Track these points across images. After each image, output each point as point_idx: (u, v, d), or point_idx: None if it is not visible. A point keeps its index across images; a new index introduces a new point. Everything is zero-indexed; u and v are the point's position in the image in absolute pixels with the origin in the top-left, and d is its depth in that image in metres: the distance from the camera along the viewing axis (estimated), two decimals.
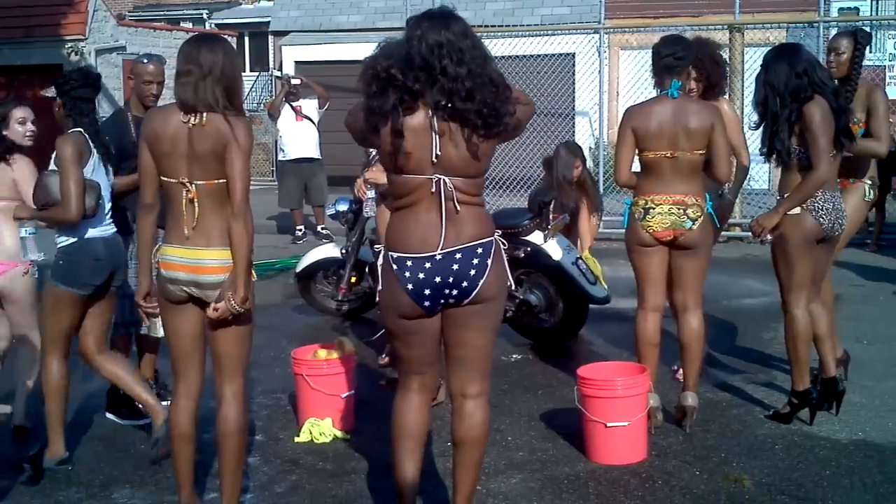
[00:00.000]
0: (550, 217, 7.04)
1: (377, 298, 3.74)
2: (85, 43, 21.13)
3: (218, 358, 3.95)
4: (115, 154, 5.24)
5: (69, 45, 21.08)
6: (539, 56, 14.03)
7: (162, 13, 29.32)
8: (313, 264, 7.85)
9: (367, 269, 7.53)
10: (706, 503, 4.33)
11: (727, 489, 4.45)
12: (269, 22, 21.66)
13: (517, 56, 14.00)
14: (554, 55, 13.96)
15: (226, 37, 18.62)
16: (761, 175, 12.55)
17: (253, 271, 3.91)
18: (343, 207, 7.46)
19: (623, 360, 5.64)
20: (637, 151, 5.09)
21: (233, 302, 3.75)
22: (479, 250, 3.52)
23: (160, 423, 4.69)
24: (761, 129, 5.12)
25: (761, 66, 5.09)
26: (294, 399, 5.52)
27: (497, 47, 13.95)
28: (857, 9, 22.02)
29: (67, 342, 4.84)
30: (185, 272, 3.79)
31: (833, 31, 13.13)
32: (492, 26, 16.14)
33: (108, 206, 4.86)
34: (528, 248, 6.85)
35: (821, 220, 5.00)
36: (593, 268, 6.96)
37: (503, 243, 3.64)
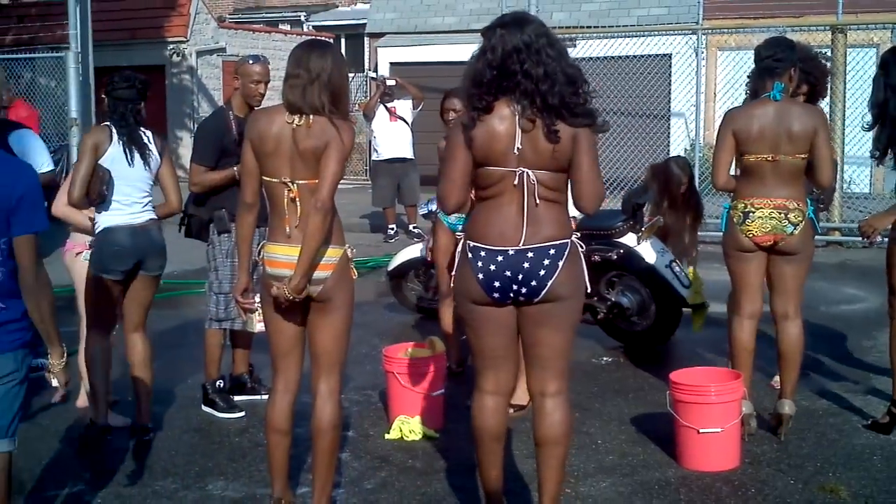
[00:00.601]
0: (645, 219, 6.98)
1: (451, 284, 3.84)
2: (186, 44, 21.66)
3: (316, 355, 4.01)
4: (216, 152, 5.41)
5: (171, 46, 21.64)
6: (635, 57, 13.90)
7: (261, 16, 29.84)
8: (404, 263, 7.91)
9: None
10: None
11: (822, 499, 4.36)
12: (365, 24, 21.89)
13: (613, 57, 13.89)
14: (650, 56, 13.82)
15: (327, 39, 18.85)
16: (862, 179, 12.26)
17: (353, 269, 3.97)
18: (435, 207, 7.50)
19: (716, 366, 5.56)
20: (737, 155, 5.00)
21: (286, 289, 3.83)
22: (552, 251, 3.60)
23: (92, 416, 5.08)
24: (873, 131, 4.99)
25: (879, 66, 4.96)
26: (384, 396, 5.57)
27: (593, 48, 13.88)
28: None
29: (105, 321, 5.14)
30: (289, 269, 3.85)
31: None
32: (587, 27, 16.05)
33: (138, 195, 5.07)
34: (622, 251, 6.80)
35: None
36: (694, 281, 6.86)
37: (581, 246, 3.70)
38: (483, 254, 3.63)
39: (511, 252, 3.59)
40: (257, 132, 3.92)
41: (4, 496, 3.42)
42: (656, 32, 14.29)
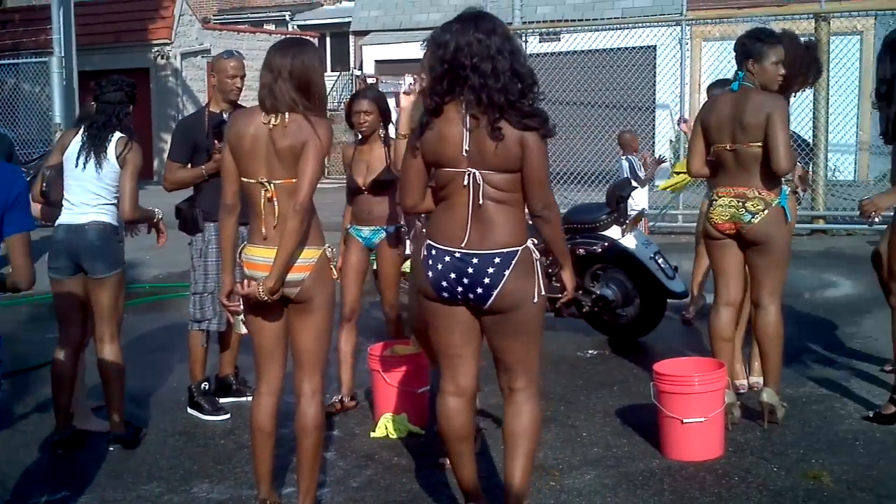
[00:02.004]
0: (629, 211, 7.00)
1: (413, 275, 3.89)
2: (171, 47, 21.65)
3: (298, 355, 4.02)
4: (190, 149, 5.42)
5: (156, 49, 21.62)
6: (620, 49, 13.92)
7: (245, 16, 29.82)
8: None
9: None
10: (784, 500, 4.26)
11: (805, 486, 4.37)
12: (349, 22, 21.90)
13: (598, 50, 13.92)
14: (635, 48, 13.83)
15: (309, 38, 18.88)
16: (847, 166, 12.30)
17: (333, 269, 3.98)
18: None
19: (700, 356, 5.58)
20: (706, 144, 5.09)
21: (261, 289, 3.83)
22: (497, 260, 3.56)
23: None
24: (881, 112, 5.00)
25: (884, 44, 4.96)
26: (370, 395, 5.58)
27: (577, 41, 13.90)
28: None
29: (69, 333, 5.13)
30: (267, 271, 3.84)
31: None
32: (572, 20, 16.07)
33: (87, 196, 5.06)
34: (606, 243, 6.82)
35: None
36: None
37: (535, 253, 3.64)
38: (434, 252, 3.65)
39: (457, 254, 3.59)
40: (235, 132, 3.93)
41: None
42: (640, 24, 14.31)
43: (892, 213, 5.15)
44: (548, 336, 7.15)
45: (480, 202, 3.55)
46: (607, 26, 14.41)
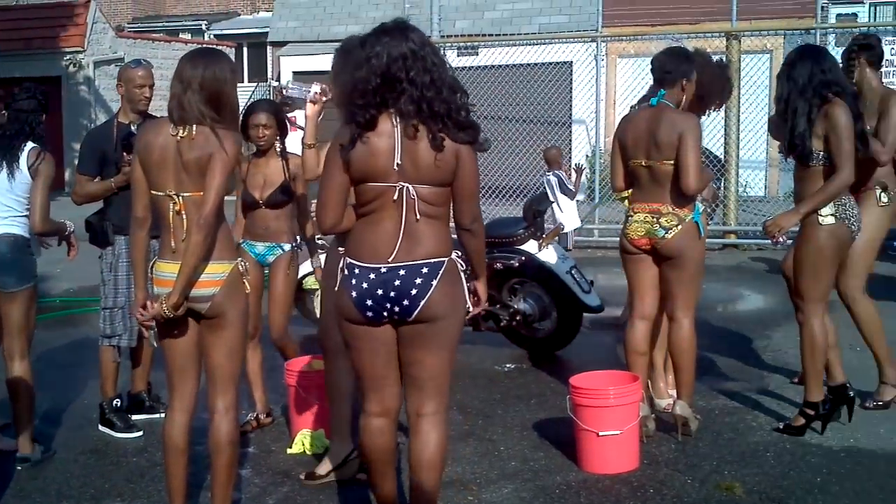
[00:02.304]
0: (545, 226, 7.06)
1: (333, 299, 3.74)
2: (84, 55, 21.22)
3: (211, 371, 3.96)
4: (99, 162, 5.31)
5: (68, 56, 21.17)
6: (537, 65, 14.07)
7: (161, 25, 29.41)
8: (307, 275, 7.84)
9: None
10: None
11: (718, 497, 4.45)
12: (267, 32, 21.73)
13: (515, 65, 14.05)
14: (552, 63, 14.00)
15: (223, 48, 18.65)
16: (757, 182, 12.59)
17: (246, 283, 3.93)
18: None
19: (616, 369, 5.64)
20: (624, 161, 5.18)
21: (164, 305, 3.77)
22: (425, 270, 3.50)
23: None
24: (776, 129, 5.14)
25: (784, 63, 5.09)
26: (287, 411, 5.52)
27: (495, 56, 14.01)
28: (854, 15, 22.10)
29: (6, 340, 5.03)
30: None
31: (831, 38, 13.22)
32: (489, 35, 16.19)
33: None
34: (523, 257, 6.86)
35: (853, 227, 5.01)
36: None
37: (461, 264, 3.61)
38: (357, 271, 3.55)
39: (383, 270, 3.50)
40: (143, 144, 3.88)
41: None
42: (557, 40, 14.49)
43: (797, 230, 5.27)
44: (466, 350, 7.20)
45: (418, 217, 3.48)
46: (524, 41, 14.54)
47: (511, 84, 14.35)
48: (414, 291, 3.49)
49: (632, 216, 5.11)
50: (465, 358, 6.99)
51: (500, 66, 14.38)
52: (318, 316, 7.83)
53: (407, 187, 3.48)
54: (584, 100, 14.13)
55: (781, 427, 5.24)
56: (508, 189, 13.29)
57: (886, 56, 12.94)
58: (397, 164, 3.46)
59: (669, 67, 5.11)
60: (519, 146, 13.95)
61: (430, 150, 3.45)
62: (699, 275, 5.19)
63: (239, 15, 29.56)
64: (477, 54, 15.25)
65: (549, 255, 6.89)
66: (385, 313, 3.55)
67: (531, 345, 7.06)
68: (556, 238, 7.28)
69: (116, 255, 5.36)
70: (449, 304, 3.56)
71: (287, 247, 5.44)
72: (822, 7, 14.28)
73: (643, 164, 5.05)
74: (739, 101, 11.89)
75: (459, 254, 3.64)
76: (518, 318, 6.91)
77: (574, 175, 10.77)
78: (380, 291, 3.51)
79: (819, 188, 4.92)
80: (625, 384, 4.93)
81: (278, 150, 5.43)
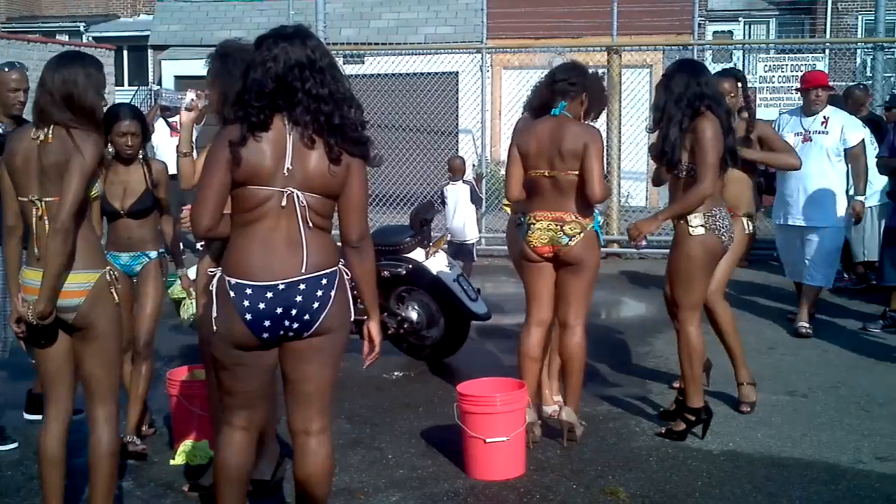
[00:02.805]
0: (432, 234, 7.07)
1: (213, 325, 3.43)
2: None
3: (87, 381, 3.85)
4: None
5: None
6: (423, 74, 14.12)
7: (37, 26, 28.50)
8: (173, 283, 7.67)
9: None
10: None
11: (603, 502, 4.51)
12: (148, 36, 21.30)
13: (402, 74, 14.07)
14: (438, 73, 14.07)
15: (102, 51, 18.18)
16: (638, 193, 12.87)
17: (114, 292, 3.81)
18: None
19: (503, 376, 5.67)
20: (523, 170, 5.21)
21: (30, 313, 3.67)
22: (324, 281, 3.37)
23: None
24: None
25: (664, 75, 5.23)
26: (169, 421, 5.39)
27: (381, 65, 14.01)
28: (730, 32, 22.85)
29: None
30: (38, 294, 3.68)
31: (707, 54, 13.64)
32: (376, 44, 16.20)
33: None
34: (410, 265, 6.86)
35: (723, 237, 5.16)
36: None
37: (346, 273, 3.49)
38: (249, 291, 3.32)
39: (281, 286, 3.31)
40: (9, 150, 3.80)
41: None
42: (442, 51, 14.58)
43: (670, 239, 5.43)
44: (353, 358, 7.10)
45: (310, 225, 3.35)
46: (410, 51, 14.59)
47: (398, 93, 14.38)
48: (316, 305, 3.36)
49: (533, 224, 5.14)
50: (353, 366, 6.87)
51: (387, 74, 14.39)
52: (189, 325, 7.72)
53: (297, 193, 3.33)
54: (470, 110, 14.24)
55: (663, 432, 5.36)
56: (395, 197, 13.30)
57: (760, 73, 13.45)
58: (287, 168, 3.32)
59: (574, 80, 5.21)
60: (406, 155, 13.98)
61: (325, 160, 3.34)
62: (594, 283, 5.28)
63: (119, 17, 28.87)
64: (363, 63, 15.25)
65: (435, 264, 6.91)
66: (282, 332, 3.38)
67: (419, 352, 7.06)
68: (447, 247, 7.29)
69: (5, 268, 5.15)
70: (343, 314, 3.47)
71: (154, 254, 5.23)
72: (700, 24, 14.67)
73: (546, 174, 5.10)
74: (620, 114, 12.14)
75: (343, 263, 3.55)
76: (406, 325, 6.91)
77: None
78: (279, 310, 3.32)
79: (680, 197, 5.11)
80: (511, 391, 4.97)
81: (140, 156, 5.20)
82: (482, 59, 12.99)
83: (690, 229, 5.11)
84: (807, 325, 7.69)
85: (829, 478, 4.78)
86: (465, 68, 14.44)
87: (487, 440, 4.74)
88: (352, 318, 3.53)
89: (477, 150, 14.30)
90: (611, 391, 6.22)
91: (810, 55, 13.21)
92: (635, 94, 13.16)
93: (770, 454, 5.10)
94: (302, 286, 3.33)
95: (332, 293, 3.38)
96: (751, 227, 6.05)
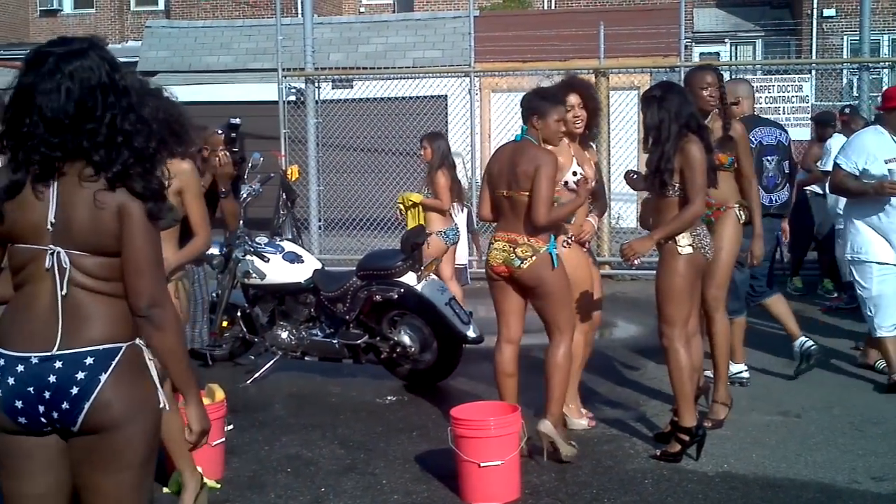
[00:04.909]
0: (424, 258, 7.08)
1: None
2: None
3: None
4: None
5: None
6: (412, 98, 14.14)
7: (24, 52, 28.52)
8: None
9: (238, 314, 7.41)
10: None
11: None
12: (136, 62, 21.28)
13: (391, 98, 14.09)
14: (427, 97, 14.09)
15: None
16: (629, 214, 12.87)
17: None
18: (214, 250, 7.31)
19: (496, 400, 5.66)
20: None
21: None
22: (90, 360, 2.65)
23: None
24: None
25: (653, 96, 5.25)
26: (162, 449, 5.34)
27: (370, 90, 14.03)
28: (717, 54, 22.98)
29: None
30: None
31: None
32: (364, 68, 16.23)
33: None
34: (402, 290, 6.85)
35: (707, 255, 5.28)
36: None
37: (145, 351, 2.75)
38: (2, 362, 2.68)
39: (34, 360, 2.65)
40: None
41: None
42: (431, 74, 14.62)
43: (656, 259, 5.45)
44: (346, 382, 7.13)
45: (64, 291, 2.67)
46: (399, 75, 14.63)
47: (387, 117, 14.39)
48: (75, 390, 2.64)
49: (492, 244, 5.32)
50: (346, 391, 6.93)
51: (376, 99, 14.41)
52: (191, 349, 7.68)
53: (59, 252, 2.68)
54: (459, 133, 14.26)
55: (658, 454, 5.35)
56: (385, 221, 13.29)
57: (746, 94, 13.51)
58: (51, 222, 2.67)
59: (524, 105, 5.38)
60: (396, 179, 13.98)
61: (92, 208, 2.67)
62: (565, 300, 5.31)
63: (107, 43, 28.91)
64: (352, 87, 15.26)
65: (427, 288, 6.90)
66: (44, 419, 2.66)
67: (412, 377, 7.04)
68: (443, 271, 7.30)
69: None
70: (129, 404, 2.68)
71: None
72: (686, 46, 14.73)
73: (504, 193, 5.27)
74: (609, 136, 12.18)
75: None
76: (398, 349, 6.90)
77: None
78: (31, 389, 2.64)
79: (673, 217, 5.17)
80: (505, 414, 4.96)
81: None
82: (470, 82, 13.03)
83: (679, 248, 5.18)
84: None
85: (825, 498, 4.77)
86: (453, 91, 14.46)
87: (482, 464, 4.72)
88: (161, 405, 2.78)
89: (466, 174, 14.33)
90: (605, 413, 6.21)
91: (797, 76, 13.27)
92: (623, 115, 13.21)
93: (765, 475, 5.09)
94: (58, 363, 2.65)
95: (103, 376, 2.65)
96: (744, 217, 5.96)
